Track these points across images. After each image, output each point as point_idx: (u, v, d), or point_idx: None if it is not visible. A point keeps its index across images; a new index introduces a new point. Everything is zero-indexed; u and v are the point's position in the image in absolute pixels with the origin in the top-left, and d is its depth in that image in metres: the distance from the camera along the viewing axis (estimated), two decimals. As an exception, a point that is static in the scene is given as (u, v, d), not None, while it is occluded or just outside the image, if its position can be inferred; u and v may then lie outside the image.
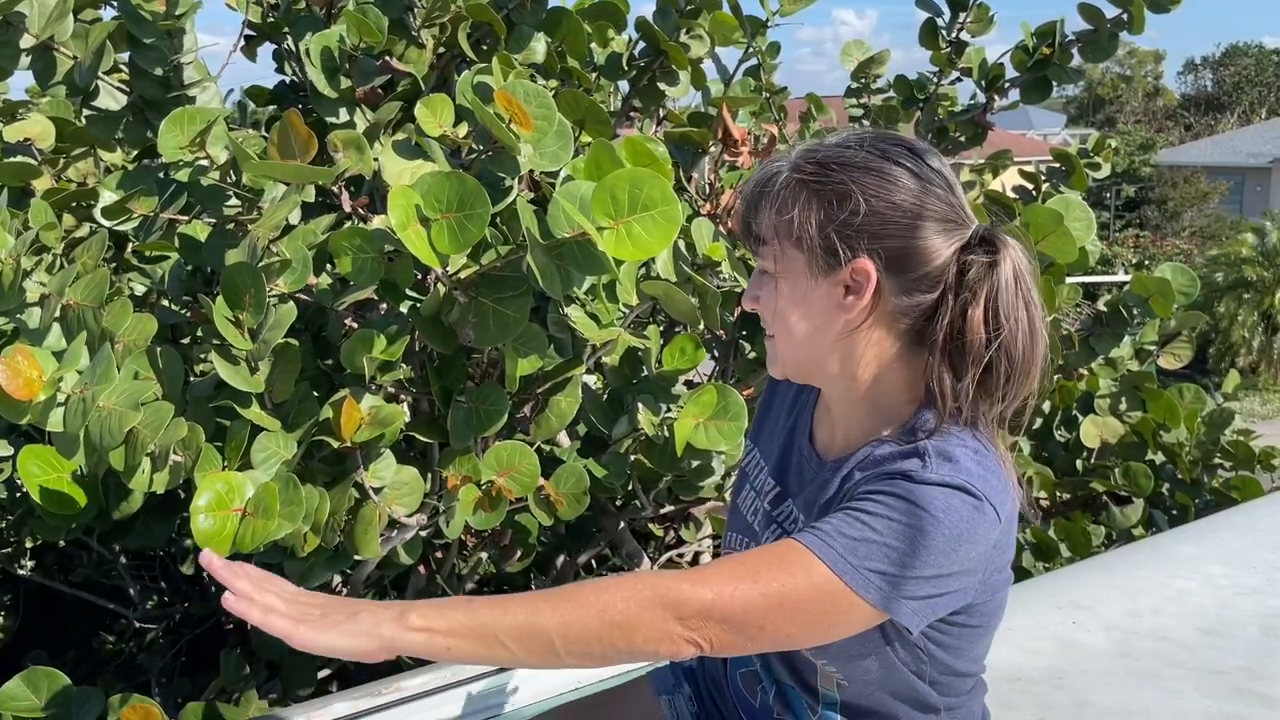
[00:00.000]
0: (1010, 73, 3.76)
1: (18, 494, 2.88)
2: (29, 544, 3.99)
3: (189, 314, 2.51)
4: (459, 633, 0.99)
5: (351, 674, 3.29)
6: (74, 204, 2.36)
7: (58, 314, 1.89)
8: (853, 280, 1.14)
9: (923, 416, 1.17)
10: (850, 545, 1.05)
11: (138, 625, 3.80)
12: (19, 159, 2.44)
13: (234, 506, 1.73)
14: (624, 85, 3.09)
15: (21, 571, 3.92)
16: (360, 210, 2.24)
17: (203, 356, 2.50)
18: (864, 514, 1.07)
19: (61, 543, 3.90)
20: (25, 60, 2.35)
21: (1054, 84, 3.70)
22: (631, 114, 3.18)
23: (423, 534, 2.34)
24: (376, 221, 2.00)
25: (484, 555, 3.07)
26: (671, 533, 3.72)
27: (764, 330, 1.26)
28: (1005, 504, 1.11)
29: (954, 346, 1.13)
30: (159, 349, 1.95)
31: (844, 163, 1.14)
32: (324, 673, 3.18)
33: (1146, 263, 21.14)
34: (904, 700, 1.25)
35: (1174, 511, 3.56)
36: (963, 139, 4.02)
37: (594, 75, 2.95)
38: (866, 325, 1.16)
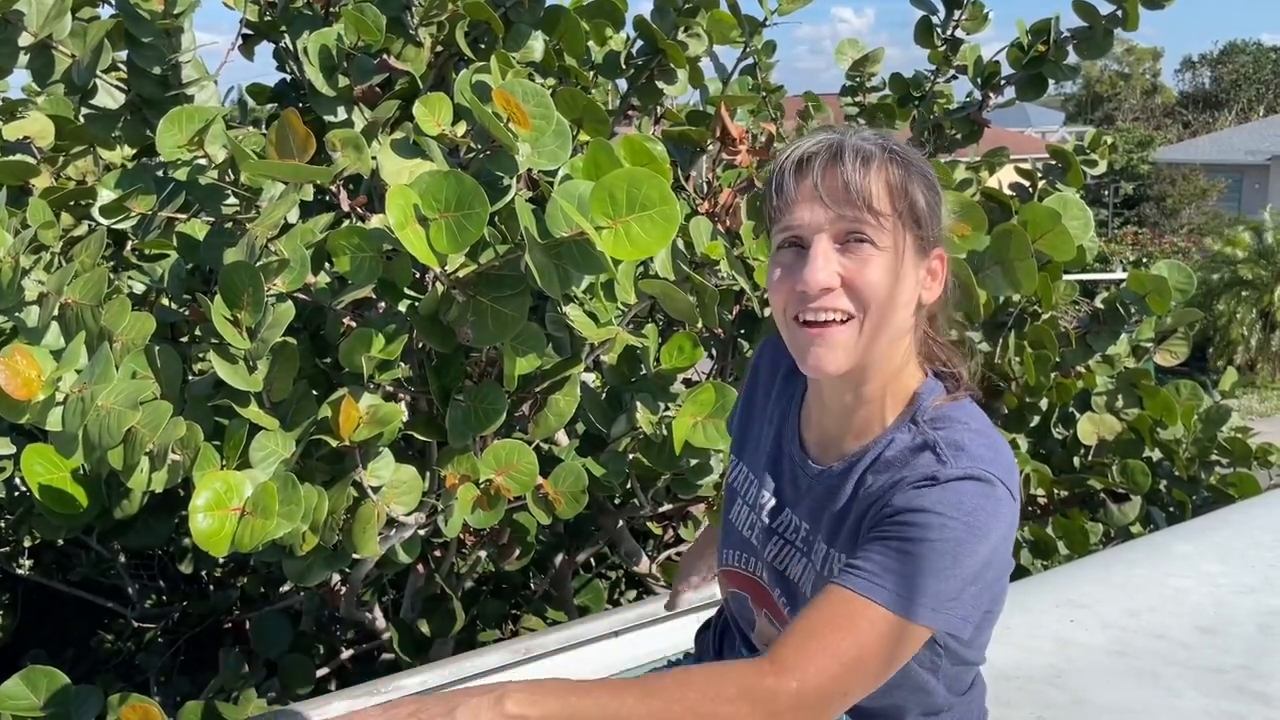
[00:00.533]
0: (1006, 70, 3.76)
1: (16, 493, 2.88)
2: (27, 543, 3.99)
3: (188, 313, 2.51)
4: (553, 715, 1.00)
5: (350, 673, 3.30)
6: (72, 202, 2.37)
7: (56, 312, 1.89)
8: (930, 268, 1.18)
9: (927, 388, 1.20)
10: (901, 581, 1.06)
11: (136, 624, 3.80)
12: (18, 157, 2.44)
13: (233, 506, 1.73)
14: (622, 84, 3.10)
15: (20, 571, 3.92)
16: (358, 209, 2.24)
17: (201, 355, 2.51)
18: (904, 541, 1.07)
19: (60, 542, 3.90)
20: (24, 58, 2.35)
21: (1050, 81, 3.70)
22: (630, 112, 3.18)
23: (421, 532, 2.34)
24: (375, 220, 2.00)
25: (482, 554, 3.07)
26: (670, 531, 3.73)
27: (821, 317, 1.13)
28: (1014, 477, 1.14)
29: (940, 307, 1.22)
30: (157, 348, 1.95)
31: (918, 159, 1.16)
32: (322, 671, 3.19)
33: (1145, 260, 21.15)
34: (914, 700, 1.26)
35: (1171, 509, 3.56)
36: (959, 137, 4.03)
37: (592, 74, 2.96)
38: (922, 312, 1.20)
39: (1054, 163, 3.58)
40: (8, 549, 4.02)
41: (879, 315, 1.12)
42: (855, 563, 1.09)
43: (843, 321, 1.13)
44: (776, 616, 1.29)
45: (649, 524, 3.61)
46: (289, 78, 3.04)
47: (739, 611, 1.37)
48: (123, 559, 3.77)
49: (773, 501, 1.30)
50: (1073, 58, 3.64)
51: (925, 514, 1.07)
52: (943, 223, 1.17)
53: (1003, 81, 3.81)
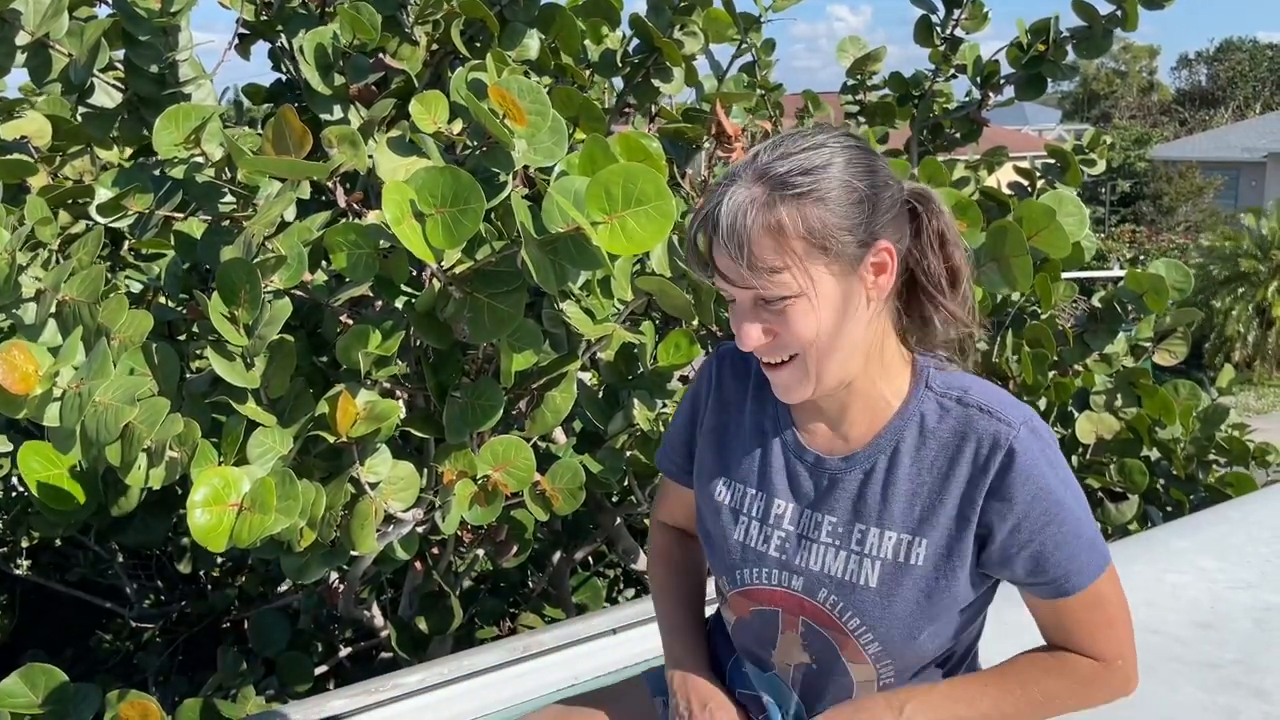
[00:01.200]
0: (1005, 69, 3.77)
1: (14, 493, 2.89)
2: (25, 543, 3.99)
3: (185, 311, 2.51)
4: None
5: (348, 671, 3.30)
6: (70, 201, 2.37)
7: (53, 309, 1.89)
8: (875, 262, 1.17)
9: (922, 362, 1.24)
10: (1082, 549, 1.19)
11: (135, 624, 3.80)
12: (15, 156, 2.44)
13: (230, 502, 1.73)
14: (618, 82, 3.10)
15: (18, 571, 3.92)
16: (355, 206, 2.24)
17: (199, 353, 2.51)
18: (1056, 524, 1.17)
19: (58, 542, 3.90)
20: (21, 58, 2.35)
21: (1049, 80, 3.71)
22: (626, 110, 3.18)
23: (419, 530, 2.34)
24: (371, 217, 2.00)
25: (480, 551, 3.07)
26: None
27: (771, 362, 1.20)
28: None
29: (936, 283, 1.23)
30: (155, 345, 1.95)
31: (817, 163, 1.15)
32: (320, 669, 3.19)
33: (1142, 258, 21.16)
34: (972, 639, 1.34)
35: (1169, 508, 3.57)
36: (958, 135, 4.04)
37: (588, 72, 2.96)
38: (884, 301, 1.21)
39: (1053, 162, 3.59)
40: (6, 549, 4.02)
41: (817, 349, 1.17)
42: (1051, 573, 1.19)
43: (789, 360, 1.19)
44: (821, 620, 1.26)
45: (646, 521, 3.61)
46: (285, 77, 3.04)
47: (758, 632, 1.33)
48: (121, 559, 3.77)
49: (791, 506, 1.29)
50: (1072, 57, 3.65)
51: (1044, 492, 1.17)
52: (873, 213, 1.15)
53: (1002, 81, 3.81)
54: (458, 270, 1.94)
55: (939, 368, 1.25)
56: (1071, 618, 1.22)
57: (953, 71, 3.95)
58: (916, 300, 1.24)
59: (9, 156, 2.47)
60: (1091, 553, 1.19)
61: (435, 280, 1.98)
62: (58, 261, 2.01)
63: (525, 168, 2.17)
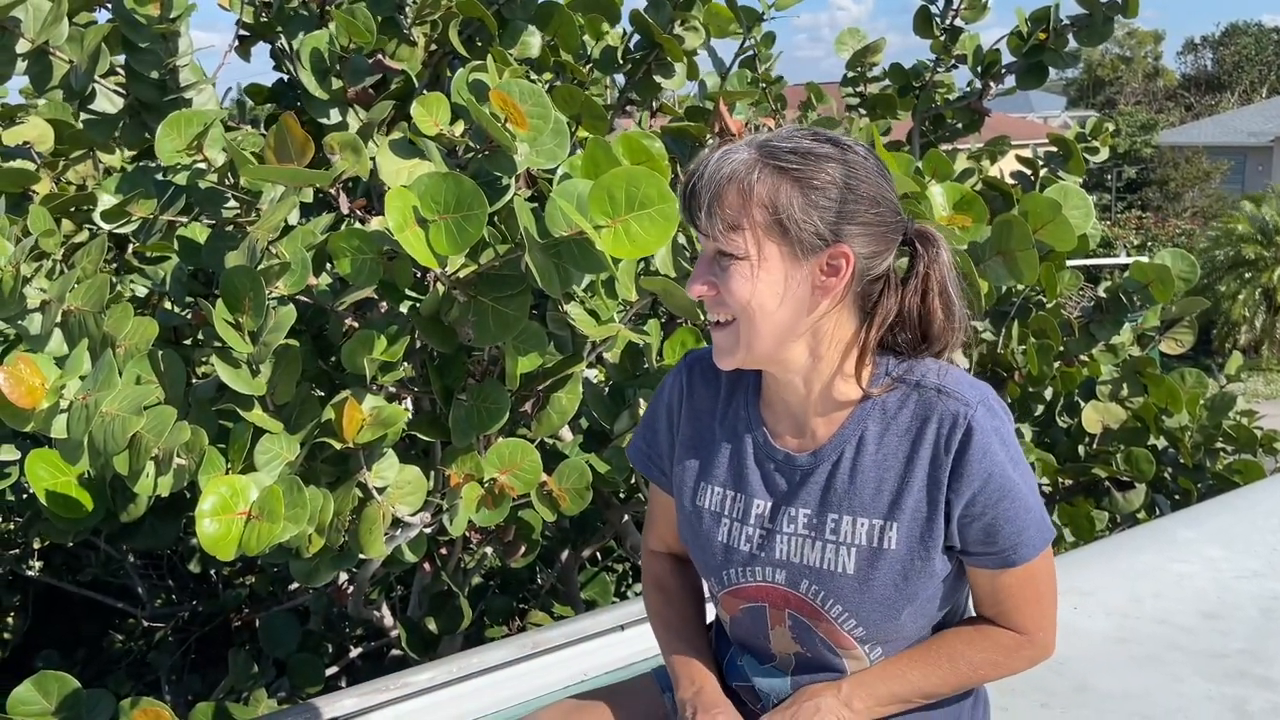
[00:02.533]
0: (1006, 58, 3.76)
1: (25, 495, 2.90)
2: (37, 545, 4.01)
3: (190, 316, 2.52)
4: (886, 702, 1.29)
5: (359, 670, 3.32)
6: (73, 209, 2.37)
7: (59, 319, 1.89)
8: (830, 263, 1.20)
9: (880, 357, 1.28)
10: (1025, 526, 1.23)
11: (147, 624, 3.82)
12: (18, 163, 2.45)
13: (239, 510, 1.74)
14: (619, 78, 3.09)
15: (30, 572, 3.94)
16: (358, 211, 2.24)
17: (204, 359, 2.51)
18: (1002, 502, 1.22)
19: (69, 543, 3.92)
20: (21, 65, 2.35)
21: (1050, 69, 3.69)
22: (628, 106, 3.18)
23: (427, 531, 2.35)
24: (374, 223, 2.00)
25: (488, 550, 3.08)
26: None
27: (715, 320, 1.26)
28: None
29: (910, 324, 1.28)
30: (160, 352, 1.96)
31: (817, 153, 1.20)
32: (331, 670, 3.20)
33: (1149, 244, 21.08)
34: (959, 606, 1.38)
35: (1176, 496, 3.56)
36: (959, 126, 4.03)
37: (589, 69, 2.95)
38: (837, 307, 1.23)
39: (1056, 151, 3.58)
40: (17, 551, 4.04)
41: (756, 317, 1.22)
42: (999, 544, 1.24)
43: (725, 324, 1.25)
44: (805, 611, 1.29)
45: (654, 518, 3.61)
46: (286, 77, 3.04)
47: (751, 627, 1.37)
48: (131, 559, 3.79)
49: (767, 504, 1.32)
50: (1073, 44, 3.64)
51: (999, 467, 1.21)
52: (849, 218, 1.19)
53: (1003, 70, 3.80)
54: (461, 274, 1.94)
55: (899, 357, 1.28)
56: (1006, 590, 1.28)
57: (953, 61, 3.94)
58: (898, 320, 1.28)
59: (12, 164, 2.48)
60: (1039, 528, 1.25)
61: (439, 284, 1.98)
62: (62, 271, 2.01)
63: (528, 169, 2.17)
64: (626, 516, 3.29)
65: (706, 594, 1.50)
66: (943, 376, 1.25)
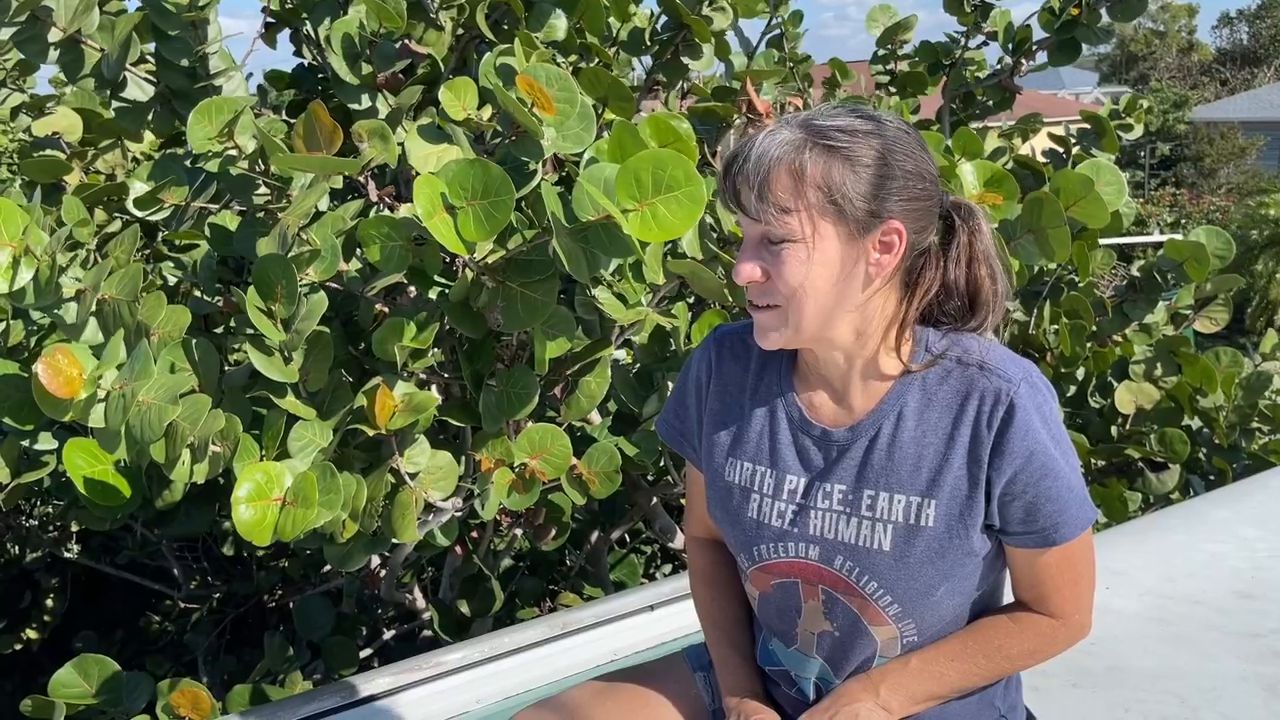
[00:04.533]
0: (1038, 34, 3.70)
1: (62, 478, 2.94)
2: (75, 528, 4.08)
3: (221, 303, 2.54)
4: (922, 700, 1.30)
5: (392, 651, 3.35)
6: (105, 198, 2.39)
7: (94, 308, 1.92)
8: (883, 240, 1.19)
9: (921, 331, 1.27)
10: (1066, 507, 1.22)
11: (183, 605, 3.87)
12: (49, 154, 2.47)
13: (274, 496, 1.76)
14: (646, 60, 3.08)
15: (68, 555, 4.01)
16: (386, 198, 2.25)
17: (236, 346, 2.54)
18: (1043, 480, 1.21)
19: (106, 529, 3.97)
20: (53, 54, 2.37)
21: (1083, 45, 3.64)
22: (655, 87, 3.16)
23: (458, 515, 2.37)
24: (403, 210, 2.01)
25: (519, 533, 3.10)
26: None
27: (757, 304, 1.24)
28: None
29: (957, 293, 1.27)
30: (194, 340, 1.98)
31: (862, 129, 1.19)
32: (365, 652, 3.23)
33: (1183, 221, 20.78)
34: (999, 589, 1.37)
35: (1211, 477, 3.52)
36: (990, 104, 3.98)
37: (615, 51, 2.94)
38: (886, 284, 1.22)
39: (1089, 128, 3.53)
40: (56, 534, 4.11)
41: (799, 303, 1.20)
42: (1039, 524, 1.22)
43: (771, 306, 1.23)
44: (839, 587, 1.29)
45: (683, 500, 3.62)
46: (307, 63, 3.04)
47: (782, 603, 1.36)
48: (167, 543, 3.84)
49: (801, 479, 1.31)
50: (1106, 19, 3.58)
51: (1041, 446, 1.20)
52: (898, 194, 1.19)
53: (1034, 46, 3.75)
54: (490, 260, 1.95)
55: (939, 331, 1.27)
56: (1045, 570, 1.27)
57: (983, 38, 3.89)
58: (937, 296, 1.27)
59: (43, 154, 2.50)
60: (1081, 507, 1.23)
61: (468, 270, 1.99)
62: (96, 260, 2.03)
63: (555, 153, 2.17)
64: (655, 499, 3.29)
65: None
66: (985, 353, 1.23)
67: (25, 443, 2.21)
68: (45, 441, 2.21)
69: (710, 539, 1.54)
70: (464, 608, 2.98)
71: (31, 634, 4.12)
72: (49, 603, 4.21)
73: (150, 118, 2.52)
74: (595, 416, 3.17)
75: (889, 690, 1.28)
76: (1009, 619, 1.31)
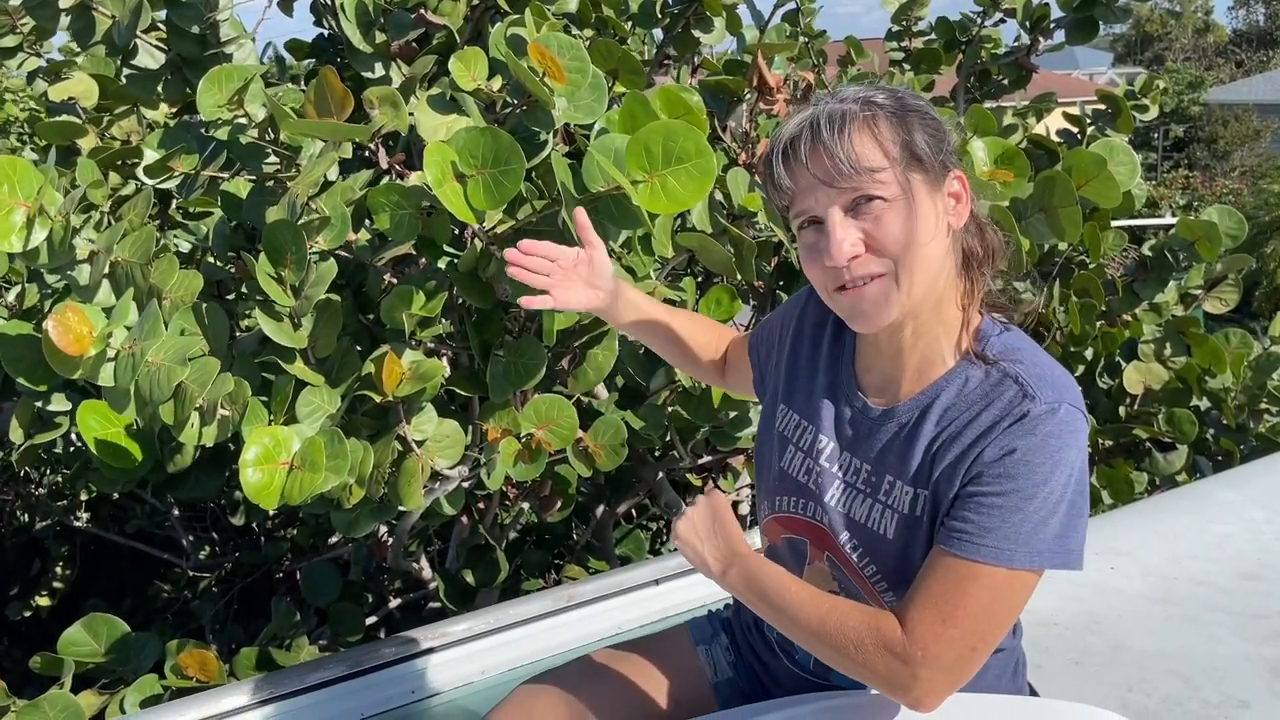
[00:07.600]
0: (1055, 13, 3.68)
1: (72, 448, 2.97)
2: (84, 496, 4.11)
3: (233, 270, 2.55)
4: (755, 595, 1.23)
5: (398, 621, 3.38)
6: (119, 162, 2.40)
7: (106, 270, 1.92)
8: (952, 192, 1.21)
9: (987, 324, 1.24)
10: (1002, 535, 1.11)
11: (191, 574, 3.90)
12: (64, 118, 2.48)
13: (281, 460, 1.77)
14: (658, 33, 3.06)
15: (78, 523, 4.04)
16: (397, 166, 2.25)
17: (247, 312, 2.55)
18: (999, 495, 1.12)
19: (116, 495, 4.01)
20: (65, 20, 2.37)
21: (1100, 23, 3.61)
22: (666, 61, 3.15)
23: (465, 485, 2.38)
24: (413, 178, 2.01)
25: (525, 505, 3.11)
26: (709, 483, 3.75)
27: (857, 282, 1.18)
28: (1080, 394, 1.19)
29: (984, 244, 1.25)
30: (204, 305, 1.99)
31: (909, 98, 1.20)
32: (371, 620, 3.26)
33: (1195, 204, 20.64)
34: None
35: (1219, 458, 3.52)
36: (1006, 82, 3.96)
37: (628, 24, 2.92)
38: (952, 238, 1.22)
39: (1104, 108, 3.50)
40: (66, 502, 4.14)
41: (909, 261, 1.16)
42: (957, 524, 1.14)
43: (876, 278, 1.18)
44: (841, 560, 1.30)
45: (689, 476, 3.63)
46: (326, 33, 3.04)
47: (789, 559, 1.38)
48: (176, 511, 3.87)
49: (832, 445, 1.32)
50: (1123, -2, 3.55)
51: (1016, 463, 1.12)
52: (952, 143, 1.21)
53: (1052, 25, 3.72)
54: (499, 230, 1.95)
55: (1001, 332, 1.24)
56: (931, 573, 1.14)
57: (1000, 16, 3.87)
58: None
59: (59, 118, 2.50)
60: (1013, 544, 1.11)
61: (477, 240, 1.99)
62: (109, 223, 2.04)
63: (565, 124, 2.16)
64: (661, 474, 3.31)
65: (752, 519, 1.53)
66: (1034, 370, 1.17)
67: (39, 404, 2.23)
68: (58, 403, 2.23)
69: (727, 349, 1.65)
70: (470, 578, 3.00)
71: (41, 601, 4.16)
72: (59, 570, 4.25)
73: (161, 86, 2.52)
74: (602, 391, 3.18)
75: (737, 574, 1.24)
76: (873, 609, 1.19)
